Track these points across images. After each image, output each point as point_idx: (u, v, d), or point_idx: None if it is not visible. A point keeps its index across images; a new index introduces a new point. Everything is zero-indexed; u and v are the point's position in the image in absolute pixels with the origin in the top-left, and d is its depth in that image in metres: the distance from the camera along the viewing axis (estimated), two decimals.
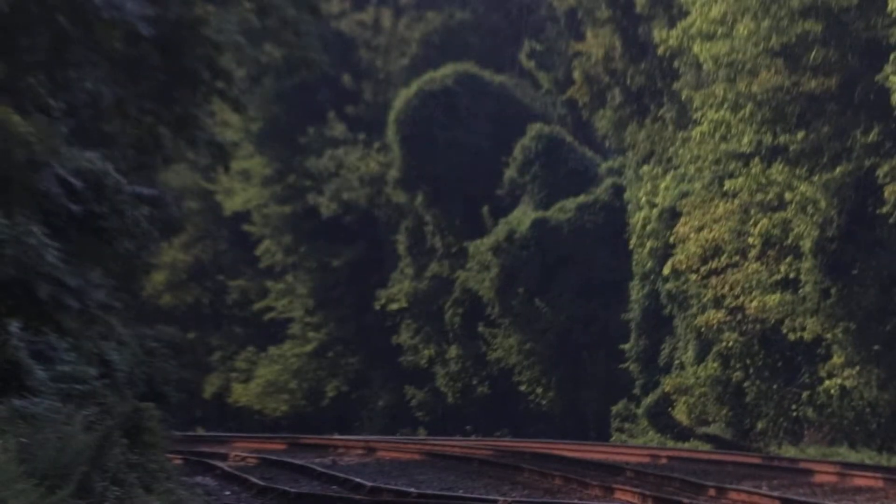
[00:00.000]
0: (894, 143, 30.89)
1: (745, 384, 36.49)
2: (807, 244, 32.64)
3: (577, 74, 43.27)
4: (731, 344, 36.45)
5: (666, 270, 37.96)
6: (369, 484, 19.59)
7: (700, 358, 38.12)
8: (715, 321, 36.17)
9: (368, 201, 56.84)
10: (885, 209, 30.27)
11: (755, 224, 34.60)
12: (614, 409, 43.34)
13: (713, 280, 36.09)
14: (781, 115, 31.69)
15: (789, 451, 32.63)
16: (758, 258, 34.88)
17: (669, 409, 38.84)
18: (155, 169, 20.95)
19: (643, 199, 40.98)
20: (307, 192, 57.86)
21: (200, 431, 44.68)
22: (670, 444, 37.04)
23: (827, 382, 33.11)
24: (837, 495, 20.50)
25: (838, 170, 31.72)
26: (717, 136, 32.90)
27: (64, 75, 13.17)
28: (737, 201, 35.13)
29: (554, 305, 46.02)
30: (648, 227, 40.15)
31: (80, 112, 15.02)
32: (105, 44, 13.32)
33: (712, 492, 19.44)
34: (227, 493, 19.83)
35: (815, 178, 32.20)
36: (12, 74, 12.71)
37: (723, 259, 35.93)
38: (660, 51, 35.52)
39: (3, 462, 10.62)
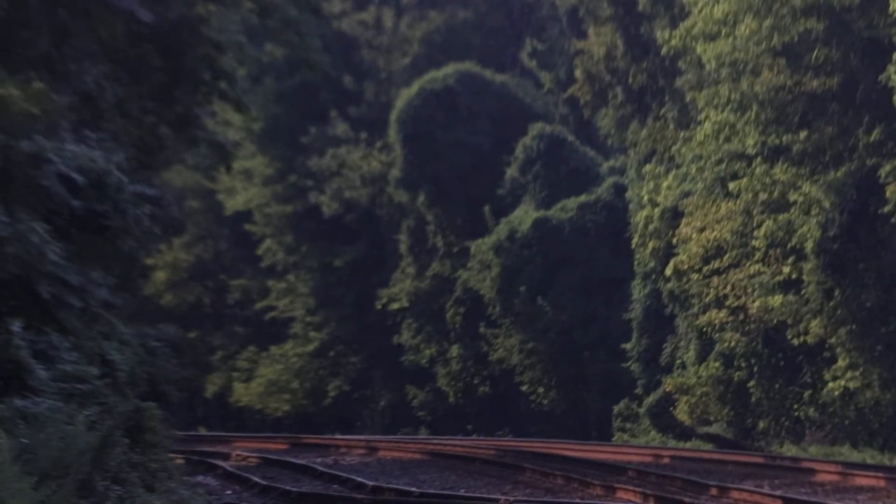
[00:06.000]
0: None
1: (748, 384, 36.46)
2: (809, 245, 32.59)
3: (578, 73, 43.21)
4: (733, 344, 36.40)
5: (668, 271, 37.91)
6: (371, 483, 19.59)
7: (702, 357, 38.09)
8: (717, 321, 36.14)
9: (370, 201, 56.82)
10: (887, 209, 30.24)
11: (759, 226, 34.54)
12: (616, 408, 43.28)
13: (715, 280, 36.05)
14: (784, 114, 31.64)
15: (791, 451, 32.60)
16: (760, 259, 34.82)
17: (671, 408, 38.81)
18: (156, 168, 20.91)
19: (645, 198, 40.93)
20: (308, 192, 57.85)
21: (202, 431, 44.72)
22: (672, 443, 37.01)
23: (830, 384, 33.05)
24: (839, 494, 20.49)
25: (840, 170, 31.69)
26: (721, 136, 32.84)
27: (65, 69, 13.14)
28: (740, 202, 35.08)
29: (555, 305, 45.97)
30: (651, 227, 40.08)
31: (81, 110, 15.01)
32: (105, 36, 13.30)
33: (714, 491, 19.43)
34: (229, 492, 19.83)
35: (818, 178, 32.16)
36: (13, 69, 12.68)
37: (725, 259, 35.90)
38: (662, 50, 35.47)
39: (4, 462, 10.60)
